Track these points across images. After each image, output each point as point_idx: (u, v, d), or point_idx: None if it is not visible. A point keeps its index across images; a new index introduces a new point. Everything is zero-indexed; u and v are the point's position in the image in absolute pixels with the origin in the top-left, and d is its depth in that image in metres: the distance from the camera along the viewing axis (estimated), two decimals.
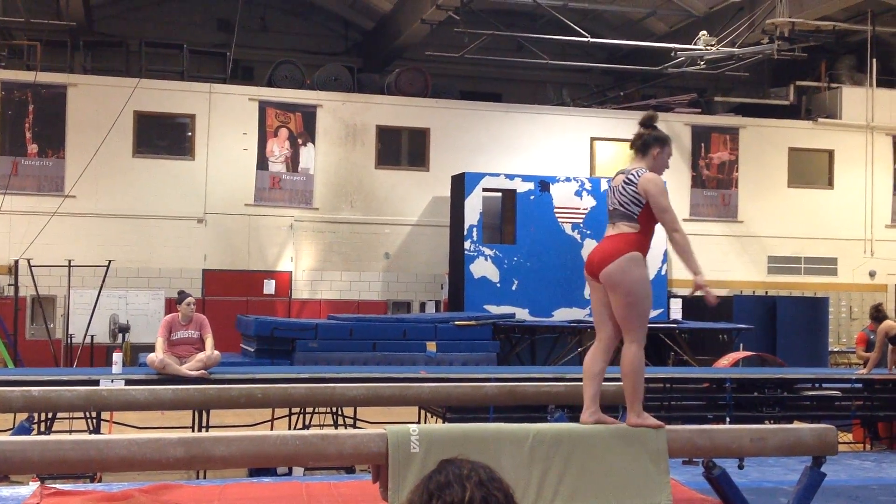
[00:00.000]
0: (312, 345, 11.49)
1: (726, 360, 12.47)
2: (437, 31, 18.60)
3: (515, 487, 2.20)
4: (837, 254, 20.29)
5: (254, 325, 11.84)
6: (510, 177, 16.79)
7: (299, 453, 4.33)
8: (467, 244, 16.29)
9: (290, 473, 8.55)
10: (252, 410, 10.64)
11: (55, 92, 17.09)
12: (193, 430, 9.04)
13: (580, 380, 5.19)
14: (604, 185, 16.97)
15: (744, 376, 10.75)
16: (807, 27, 17.20)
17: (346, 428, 9.99)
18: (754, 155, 20.10)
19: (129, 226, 17.20)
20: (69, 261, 15.38)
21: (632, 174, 4.91)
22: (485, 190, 16.58)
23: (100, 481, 7.90)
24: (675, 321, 15.62)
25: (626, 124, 19.67)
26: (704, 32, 17.30)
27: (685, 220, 19.44)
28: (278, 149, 18.01)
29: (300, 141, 18.13)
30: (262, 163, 17.89)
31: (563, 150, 19.14)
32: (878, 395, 10.90)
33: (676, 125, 19.87)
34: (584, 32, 17.63)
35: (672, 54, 17.87)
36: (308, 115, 18.18)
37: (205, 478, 8.36)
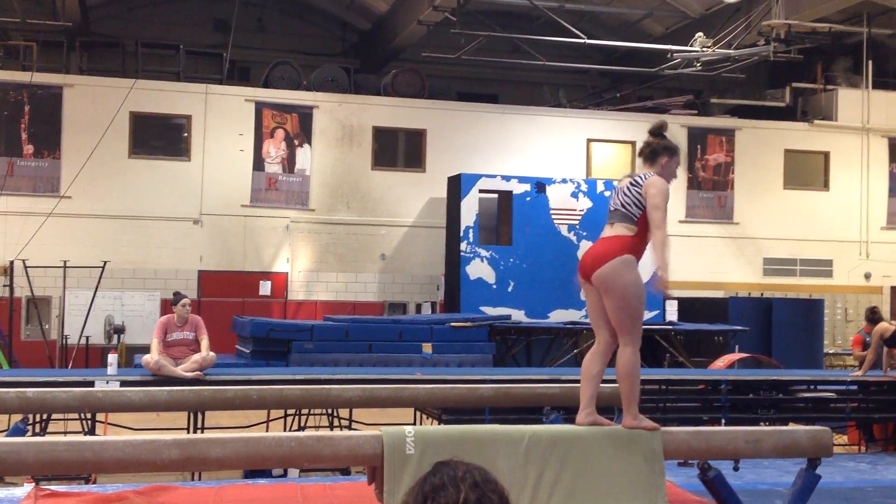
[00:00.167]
0: (308, 346, 11.48)
1: (722, 362, 12.48)
2: (433, 33, 18.60)
3: (511, 489, 2.20)
4: (833, 256, 20.32)
5: (249, 326, 11.83)
6: (506, 178, 16.79)
7: (295, 455, 4.32)
8: (463, 245, 16.29)
9: (285, 475, 8.55)
10: (247, 412, 10.63)
11: (51, 92, 17.07)
12: (189, 432, 9.03)
13: (576, 381, 5.19)
14: (600, 187, 17.00)
15: (739, 378, 10.76)
16: (803, 29, 17.23)
17: (341, 429, 9.99)
18: (750, 156, 20.12)
19: (125, 227, 17.18)
20: (65, 262, 15.36)
21: (639, 177, 4.92)
22: (481, 191, 16.57)
23: (95, 483, 7.89)
24: (670, 323, 15.63)
25: (622, 126, 19.71)
26: (701, 34, 17.32)
27: (681, 221, 19.48)
28: (274, 150, 18.00)
29: (296, 142, 18.12)
30: (259, 164, 17.88)
31: (559, 152, 19.15)
32: (873, 397, 10.92)
33: (672, 127, 19.83)
34: (580, 34, 17.64)
35: (668, 56, 17.89)
36: (304, 116, 18.17)
37: (200, 479, 8.36)
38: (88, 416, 9.12)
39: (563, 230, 16.57)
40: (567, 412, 6.87)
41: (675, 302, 16.60)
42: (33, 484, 6.83)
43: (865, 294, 20.01)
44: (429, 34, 18.62)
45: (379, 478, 4.33)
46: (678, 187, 19.50)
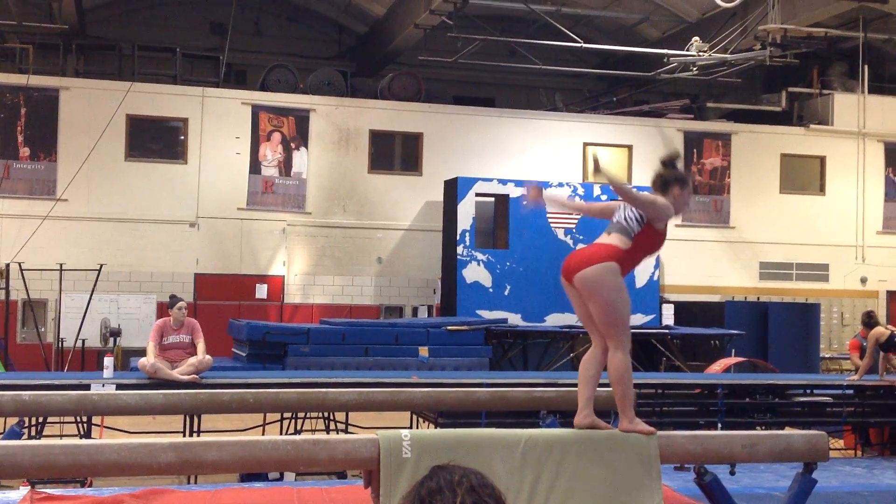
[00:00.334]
0: (304, 349, 11.47)
1: (718, 366, 12.48)
2: (430, 36, 18.61)
3: (507, 493, 2.20)
4: (829, 260, 20.35)
5: (246, 329, 11.82)
6: (503, 182, 16.80)
7: (291, 458, 4.32)
8: (460, 249, 16.29)
9: (281, 479, 8.54)
10: (244, 415, 10.61)
11: (47, 95, 17.05)
12: (185, 435, 9.02)
13: (572, 385, 5.19)
14: (597, 191, 17.01)
15: (735, 382, 10.76)
16: (799, 34, 17.26)
17: (337, 433, 9.98)
18: (746, 161, 20.15)
19: (122, 230, 17.17)
20: (61, 264, 15.34)
21: (646, 201, 4.88)
22: (478, 195, 16.59)
23: (90, 486, 7.88)
24: (666, 327, 15.64)
25: (618, 130, 19.74)
26: (697, 38, 17.35)
27: (677, 225, 19.45)
28: (271, 153, 18.00)
29: (293, 145, 18.12)
30: (255, 167, 17.88)
31: (555, 156, 19.17)
32: (870, 402, 10.94)
33: (669, 131, 19.93)
34: (577, 38, 17.66)
35: (665, 60, 17.91)
36: (301, 120, 18.17)
37: (196, 483, 8.34)
38: (84, 419, 9.10)
39: (560, 234, 16.58)
40: (563, 416, 6.86)
41: (672, 306, 16.63)
42: (29, 487, 6.82)
43: (861, 298, 20.03)
44: (425, 38, 18.63)
45: (375, 481, 4.32)
46: None
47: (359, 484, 5.24)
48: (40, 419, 8.65)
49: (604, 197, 16.93)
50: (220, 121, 17.75)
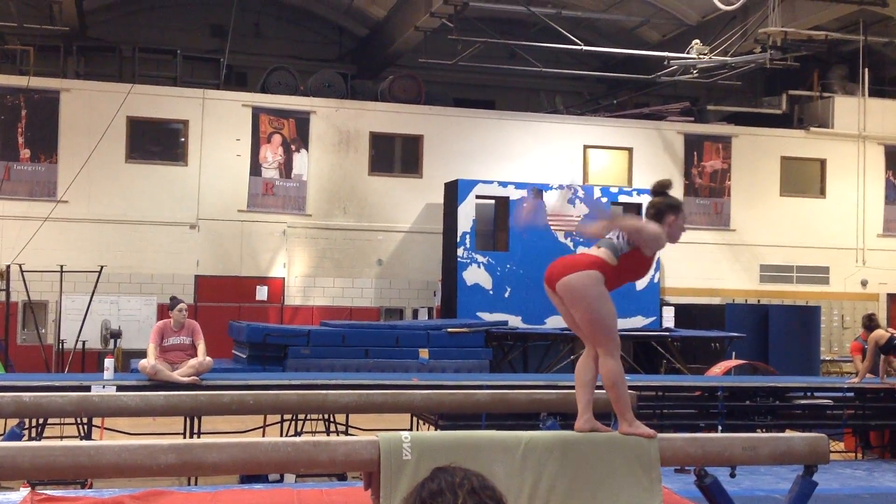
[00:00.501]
0: (305, 351, 11.47)
1: (718, 369, 12.49)
2: (430, 39, 18.62)
3: (507, 495, 2.20)
4: (829, 263, 20.35)
5: (246, 331, 11.82)
6: (503, 184, 16.81)
7: (291, 460, 4.31)
8: (460, 251, 16.30)
9: (281, 480, 8.53)
10: (244, 417, 10.61)
11: (48, 97, 17.06)
12: (185, 437, 9.02)
13: (573, 387, 5.19)
14: (597, 193, 17.02)
15: (736, 385, 10.76)
16: (799, 37, 17.28)
17: (338, 435, 9.97)
18: (747, 163, 20.16)
19: (122, 231, 17.17)
20: (61, 266, 15.34)
21: (636, 229, 4.87)
22: (478, 197, 16.60)
23: (91, 487, 7.87)
24: (667, 329, 15.64)
25: (619, 132, 19.75)
26: (697, 41, 17.37)
27: None
28: (271, 155, 18.01)
29: (293, 147, 18.13)
30: (256, 169, 17.89)
31: (556, 158, 19.17)
32: (870, 404, 10.93)
33: (669, 133, 19.94)
34: (577, 41, 17.67)
35: (665, 63, 17.92)
36: (301, 122, 18.18)
37: (196, 484, 8.34)
38: (85, 420, 9.10)
39: (560, 236, 16.59)
40: (564, 418, 6.86)
41: (672, 308, 16.63)
42: (29, 488, 6.82)
43: (862, 301, 20.03)
44: (426, 40, 18.65)
45: (375, 483, 4.32)
46: (675, 194, 19.44)
47: (359, 486, 5.24)
48: (41, 420, 8.64)
49: (604, 199, 16.95)
50: (220, 123, 17.76)
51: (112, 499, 5.90)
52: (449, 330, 12.52)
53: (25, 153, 16.95)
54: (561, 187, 16.97)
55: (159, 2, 21.41)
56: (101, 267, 15.62)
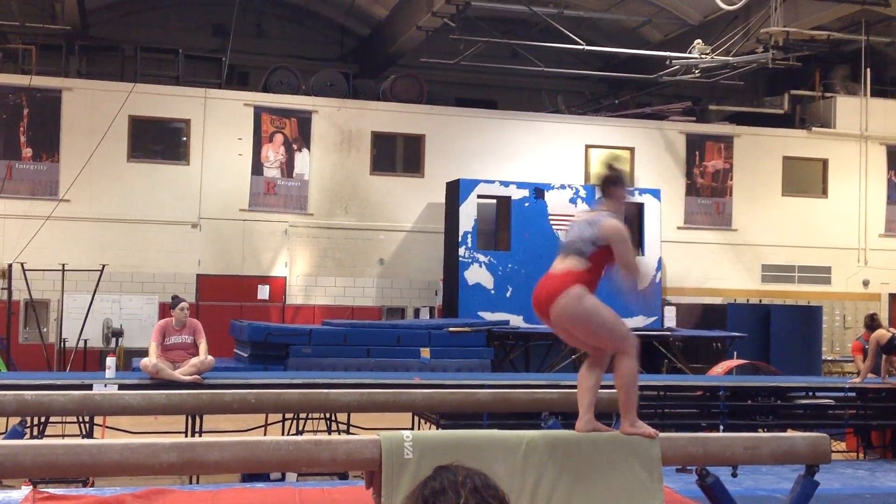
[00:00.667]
0: (306, 350, 11.47)
1: (720, 368, 12.48)
2: (432, 38, 18.62)
3: (508, 494, 2.20)
4: (831, 263, 20.34)
5: (248, 330, 11.83)
6: (505, 184, 16.81)
7: (292, 459, 4.32)
8: (462, 251, 16.30)
9: (283, 479, 8.54)
10: (245, 416, 10.62)
11: (50, 96, 17.07)
12: (186, 436, 9.02)
13: (574, 387, 5.19)
14: (598, 193, 16.99)
15: (737, 384, 10.76)
16: (801, 36, 17.25)
17: (339, 434, 9.98)
18: (749, 163, 20.15)
19: (124, 230, 17.18)
20: (63, 265, 15.35)
21: (595, 217, 4.93)
22: (479, 197, 16.59)
23: (92, 486, 7.88)
24: (668, 329, 15.63)
25: (621, 132, 19.74)
26: (699, 41, 17.35)
27: (679, 227, 19.51)
28: (273, 154, 18.01)
29: (295, 146, 18.13)
30: (257, 168, 17.89)
31: (557, 158, 19.17)
32: (872, 404, 10.92)
33: (671, 133, 19.93)
34: (579, 40, 17.67)
35: (667, 63, 17.91)
36: (303, 121, 18.18)
37: (198, 483, 8.35)
38: (86, 419, 9.10)
39: (562, 236, 16.57)
40: (565, 418, 6.87)
41: (674, 308, 16.63)
42: (31, 487, 6.82)
43: (864, 301, 20.02)
44: (428, 40, 18.64)
45: (377, 482, 4.33)
46: (676, 194, 19.54)
47: (360, 485, 5.25)
48: (42, 419, 8.65)
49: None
50: (222, 122, 17.77)
51: (114, 497, 5.90)
52: (450, 329, 12.52)
53: (27, 152, 16.96)
54: (563, 188, 16.97)
55: (161, 1, 21.42)
56: (103, 266, 15.62)
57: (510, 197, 16.53)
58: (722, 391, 10.36)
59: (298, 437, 5.24)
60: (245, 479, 8.26)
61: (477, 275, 16.32)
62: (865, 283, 20.43)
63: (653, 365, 14.90)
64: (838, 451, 10.82)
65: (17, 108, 16.91)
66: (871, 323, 10.86)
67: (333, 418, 10.32)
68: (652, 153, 19.73)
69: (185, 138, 17.83)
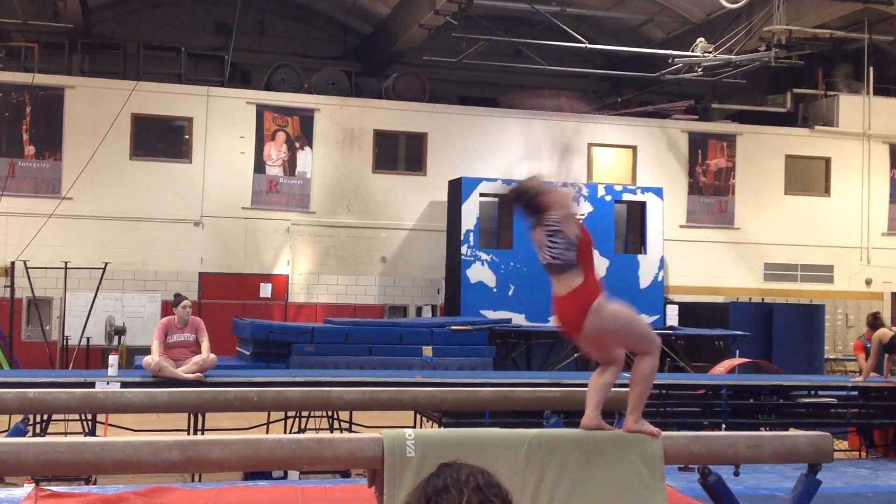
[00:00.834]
0: (308, 348, 11.48)
1: (722, 367, 12.47)
2: (434, 36, 18.61)
3: (510, 493, 2.20)
4: (834, 261, 20.33)
5: (250, 328, 11.83)
6: (507, 182, 16.76)
7: (295, 457, 4.32)
8: (464, 249, 16.29)
9: (285, 477, 8.54)
10: (248, 414, 10.63)
11: (52, 94, 17.08)
12: (189, 433, 9.03)
13: (576, 385, 5.20)
14: (601, 191, 17.00)
15: (740, 383, 10.75)
16: (804, 35, 17.25)
17: (341, 432, 9.98)
18: (751, 162, 20.13)
19: (126, 228, 17.19)
20: (65, 263, 15.37)
21: (548, 225, 4.86)
22: (482, 195, 16.58)
23: (95, 484, 7.89)
24: (671, 328, 15.62)
25: (623, 130, 19.72)
26: (702, 39, 17.35)
27: (682, 226, 19.50)
28: (275, 152, 18.01)
29: (297, 145, 18.13)
30: (260, 166, 17.89)
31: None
32: (874, 403, 10.92)
33: (673, 132, 19.91)
34: (581, 39, 17.66)
35: (670, 61, 17.91)
36: (305, 119, 18.18)
37: (200, 481, 8.35)
38: (89, 416, 9.11)
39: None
40: (567, 416, 6.87)
41: (676, 307, 16.61)
42: (34, 484, 6.83)
43: (866, 300, 20.01)
44: (430, 38, 18.64)
45: (379, 480, 4.33)
46: (679, 192, 19.53)
47: (363, 483, 5.25)
48: (45, 417, 8.66)
49: (608, 198, 16.93)
50: (224, 120, 17.77)
51: (116, 495, 5.90)
52: (452, 328, 12.52)
53: (30, 150, 16.97)
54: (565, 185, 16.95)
55: None
56: (106, 264, 15.64)
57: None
58: (724, 390, 10.35)
59: (301, 436, 5.24)
60: (247, 477, 8.27)
61: (479, 273, 16.31)
62: (868, 282, 20.42)
63: None
64: (840, 450, 10.81)
65: (19, 106, 16.92)
66: (874, 322, 10.85)
67: (336, 416, 10.33)
68: (654, 152, 19.72)
69: (187, 136, 17.84)
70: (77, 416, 9.26)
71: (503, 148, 18.92)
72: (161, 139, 18.01)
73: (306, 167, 18.15)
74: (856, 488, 8.08)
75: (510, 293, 16.32)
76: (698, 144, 19.97)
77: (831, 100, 20.65)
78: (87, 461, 4.12)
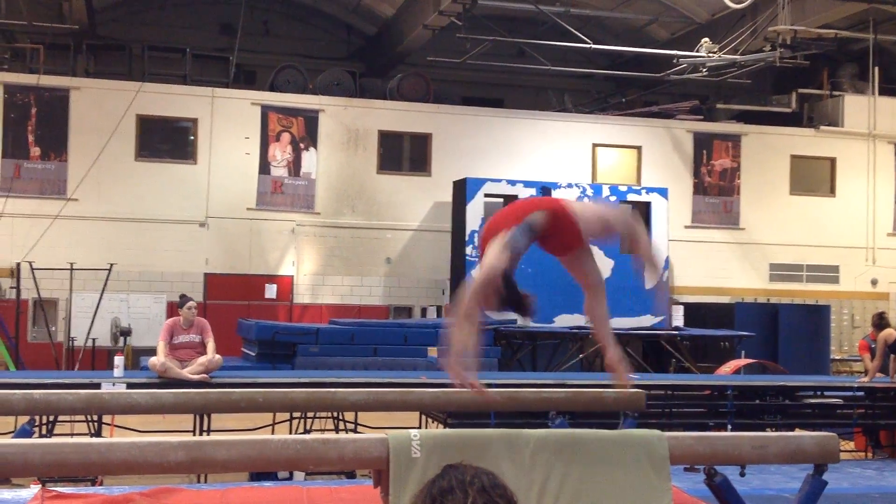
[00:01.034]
0: (313, 349, 11.49)
1: (728, 368, 12.46)
2: (439, 37, 18.62)
3: (515, 494, 2.20)
4: (839, 262, 20.29)
5: (255, 329, 11.85)
6: (512, 182, 16.79)
7: (300, 457, 4.32)
8: (469, 250, 16.29)
9: (290, 478, 8.55)
10: (253, 415, 10.64)
11: (58, 95, 17.11)
12: (195, 434, 9.03)
13: (582, 386, 5.20)
14: (605, 192, 16.99)
15: (745, 384, 10.74)
16: (809, 35, 17.22)
17: (346, 433, 9.99)
18: (756, 162, 20.11)
19: (131, 229, 17.22)
20: (71, 264, 15.40)
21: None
22: (486, 196, 16.58)
23: (101, 485, 7.90)
24: (676, 328, 15.62)
25: (628, 131, 19.72)
26: (706, 39, 17.32)
27: (687, 227, 19.48)
28: (280, 153, 18.03)
29: (302, 145, 18.15)
30: (264, 167, 17.91)
31: (564, 157, 19.15)
32: (880, 404, 10.90)
33: (678, 132, 19.89)
34: (585, 39, 17.65)
35: (674, 61, 17.88)
36: (310, 120, 18.20)
37: (206, 482, 8.36)
38: (95, 418, 9.13)
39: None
40: (573, 417, 6.86)
41: (682, 307, 16.61)
42: (40, 485, 6.84)
43: (872, 300, 19.97)
44: (434, 39, 18.65)
45: (384, 481, 4.33)
46: (684, 193, 19.51)
47: (368, 483, 5.25)
48: (51, 418, 8.68)
49: (613, 198, 16.91)
50: (229, 121, 17.80)
51: (122, 496, 5.91)
52: None
53: (35, 151, 17.00)
54: (570, 186, 16.95)
55: (168, 0, 21.45)
56: (111, 265, 15.67)
57: (517, 196, 16.50)
58: (730, 390, 10.35)
59: (306, 436, 5.24)
60: (253, 478, 8.28)
61: None
62: (874, 283, 20.38)
63: (660, 364, 14.89)
64: (846, 451, 10.79)
65: (25, 108, 16.95)
66: (880, 322, 10.83)
67: (341, 417, 10.34)
68: (659, 152, 19.70)
69: (192, 137, 17.87)
70: (83, 418, 9.27)
71: (508, 148, 18.92)
72: (166, 140, 18.03)
73: (311, 168, 18.17)
74: (862, 489, 8.06)
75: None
76: (703, 145, 19.95)
77: (836, 100, 20.62)
78: (93, 462, 4.12)
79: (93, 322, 15.28)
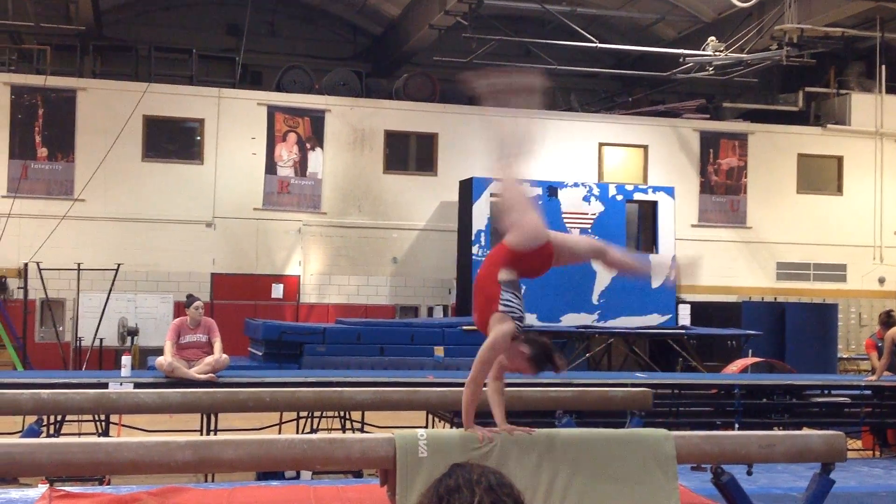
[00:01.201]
0: (320, 349, 11.50)
1: (735, 367, 12.43)
2: (445, 37, 18.62)
3: (523, 493, 2.20)
4: (846, 260, 20.24)
5: (262, 328, 11.86)
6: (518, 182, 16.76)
7: (307, 457, 4.33)
8: (475, 249, 16.28)
9: (297, 477, 8.56)
10: (260, 414, 10.65)
11: (65, 96, 17.15)
12: (202, 434, 9.05)
13: (588, 385, 5.19)
14: (612, 191, 16.97)
15: (752, 382, 10.72)
16: (815, 33, 17.18)
17: (353, 432, 9.99)
18: (763, 161, 20.07)
19: (138, 229, 17.25)
20: (78, 264, 15.43)
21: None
22: (493, 195, 16.55)
23: (108, 484, 7.92)
24: (683, 327, 15.59)
25: (634, 130, 19.69)
26: (713, 38, 17.30)
27: (694, 225, 19.45)
28: (287, 153, 18.05)
29: (308, 145, 18.16)
30: (271, 167, 17.93)
31: (571, 156, 19.13)
32: (888, 402, 10.86)
33: (685, 131, 19.86)
34: (592, 38, 17.63)
35: (681, 60, 17.86)
36: (316, 120, 18.21)
37: (213, 481, 8.37)
38: (102, 417, 9.15)
39: (576, 234, 16.54)
40: (579, 416, 6.86)
41: (688, 306, 16.57)
42: (48, 485, 6.86)
43: (879, 299, 19.91)
44: (440, 38, 18.64)
45: (391, 480, 4.34)
46: (690, 192, 19.48)
47: (375, 483, 5.26)
48: (59, 417, 8.69)
49: (619, 197, 16.89)
50: (235, 121, 17.82)
51: (130, 495, 5.92)
52: (464, 328, 12.52)
53: (43, 152, 17.04)
54: (577, 185, 16.94)
55: (175, 1, 21.49)
56: (118, 265, 15.70)
57: None
58: (737, 389, 10.32)
59: (313, 436, 5.25)
60: (260, 478, 8.29)
61: None
62: (881, 281, 20.33)
63: (667, 363, 14.87)
64: (854, 450, 10.76)
65: (32, 109, 17.00)
66: (887, 320, 10.80)
67: (348, 416, 10.34)
68: (666, 151, 19.68)
69: (199, 138, 17.89)
70: (90, 417, 9.29)
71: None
72: (173, 140, 18.06)
73: (317, 168, 18.18)
74: (869, 488, 8.04)
75: (521, 293, 16.29)
76: (710, 143, 19.91)
77: (843, 98, 20.57)
78: (101, 462, 4.13)
79: (100, 322, 15.32)
